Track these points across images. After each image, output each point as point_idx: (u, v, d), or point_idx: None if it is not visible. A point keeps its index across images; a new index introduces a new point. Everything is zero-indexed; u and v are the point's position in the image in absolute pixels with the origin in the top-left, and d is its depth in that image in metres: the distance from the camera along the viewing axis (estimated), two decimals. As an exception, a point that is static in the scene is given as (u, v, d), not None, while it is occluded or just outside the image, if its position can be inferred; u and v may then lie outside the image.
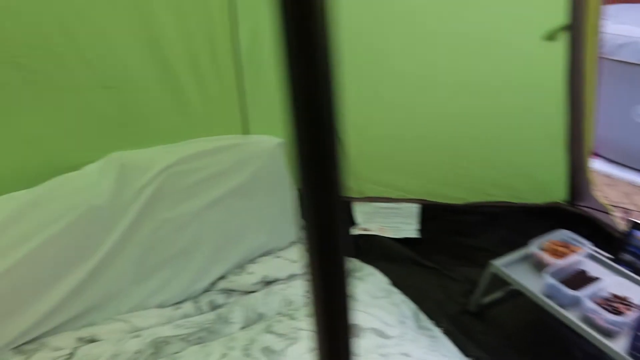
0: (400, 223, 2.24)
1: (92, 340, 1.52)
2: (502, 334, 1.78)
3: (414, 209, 2.26)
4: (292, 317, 1.61)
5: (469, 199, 2.21)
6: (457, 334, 1.69)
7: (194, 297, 1.76)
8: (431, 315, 1.71)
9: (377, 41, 1.90)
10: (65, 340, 1.49)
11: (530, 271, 1.71)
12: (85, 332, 1.53)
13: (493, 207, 2.21)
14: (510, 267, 1.73)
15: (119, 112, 1.70)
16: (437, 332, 1.65)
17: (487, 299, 1.87)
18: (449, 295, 1.94)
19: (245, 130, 1.97)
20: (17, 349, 1.45)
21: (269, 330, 1.55)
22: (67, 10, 1.50)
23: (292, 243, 2.04)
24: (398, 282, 1.84)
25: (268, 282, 1.85)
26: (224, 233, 1.83)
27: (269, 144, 1.95)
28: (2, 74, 1.46)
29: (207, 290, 1.80)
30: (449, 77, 1.96)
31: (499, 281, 1.76)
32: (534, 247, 1.75)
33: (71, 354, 1.44)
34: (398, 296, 1.78)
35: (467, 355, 1.57)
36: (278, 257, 1.96)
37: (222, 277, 1.83)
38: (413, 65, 1.94)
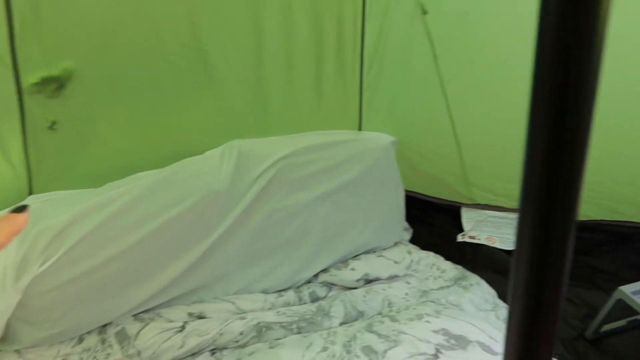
0: (511, 234, 2.11)
1: (201, 317, 1.59)
2: (621, 367, 1.62)
3: (528, 220, 2.12)
4: (393, 319, 1.58)
5: (593, 216, 2.02)
6: (570, 360, 1.57)
7: (297, 287, 1.80)
8: (542, 337, 1.60)
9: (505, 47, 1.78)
10: (177, 314, 1.58)
11: (665, 303, 1.54)
12: (195, 308, 1.62)
13: (622, 226, 2.00)
14: (640, 295, 1.57)
15: (246, 104, 1.76)
16: (548, 355, 1.54)
17: (607, 327, 1.71)
18: (563, 317, 1.80)
19: (359, 127, 1.96)
20: (136, 316, 1.56)
21: (370, 330, 1.53)
22: (218, 11, 1.58)
23: (396, 243, 2.01)
24: (506, 296, 1.74)
25: (369, 281, 1.84)
26: (331, 227, 1.84)
27: (382, 142, 1.93)
28: (155, 69, 1.57)
29: (309, 281, 1.83)
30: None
31: (624, 309, 1.60)
32: (672, 277, 1.57)
33: (182, 327, 1.53)
34: (505, 311, 1.68)
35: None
36: (381, 256, 1.93)
37: (324, 270, 1.84)
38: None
